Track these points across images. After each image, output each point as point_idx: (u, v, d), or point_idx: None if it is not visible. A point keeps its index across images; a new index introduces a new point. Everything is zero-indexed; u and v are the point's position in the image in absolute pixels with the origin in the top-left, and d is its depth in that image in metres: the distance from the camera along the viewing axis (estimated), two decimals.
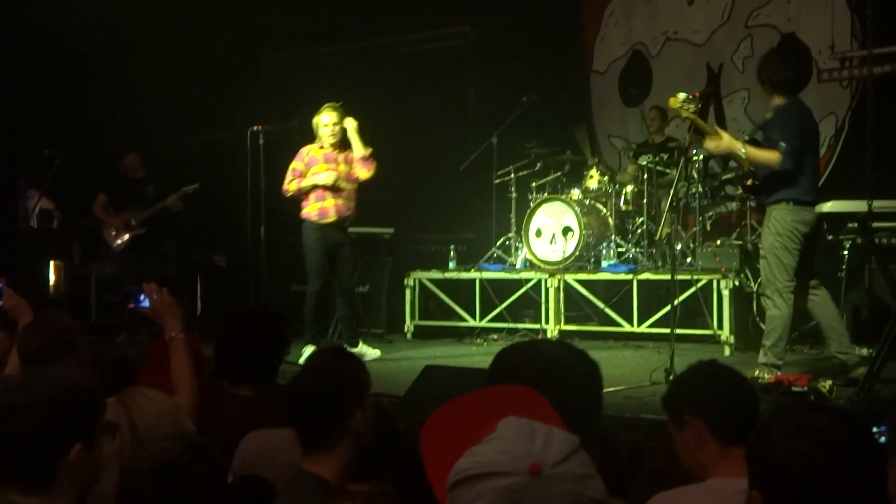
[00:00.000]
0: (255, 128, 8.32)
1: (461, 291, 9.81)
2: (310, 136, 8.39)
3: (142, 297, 4.10)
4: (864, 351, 6.51)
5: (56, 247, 11.15)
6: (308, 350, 7.71)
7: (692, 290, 8.24)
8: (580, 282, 9.09)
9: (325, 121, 8.20)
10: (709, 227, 9.15)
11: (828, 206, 6.40)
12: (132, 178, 9.76)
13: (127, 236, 9.61)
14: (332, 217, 8.09)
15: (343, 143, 8.25)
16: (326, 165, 8.12)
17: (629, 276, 8.77)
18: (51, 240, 11.07)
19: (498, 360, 2.33)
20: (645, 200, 9.29)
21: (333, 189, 8.09)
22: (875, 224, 6.42)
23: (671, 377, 6.20)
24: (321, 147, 8.20)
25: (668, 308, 7.75)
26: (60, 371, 2.61)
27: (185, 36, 11.58)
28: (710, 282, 8.27)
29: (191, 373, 3.73)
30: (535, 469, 1.50)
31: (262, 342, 3.93)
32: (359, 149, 8.19)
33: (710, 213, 9.28)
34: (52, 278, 10.97)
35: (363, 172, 8.20)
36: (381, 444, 2.97)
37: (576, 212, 9.20)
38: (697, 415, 2.84)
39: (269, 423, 3.36)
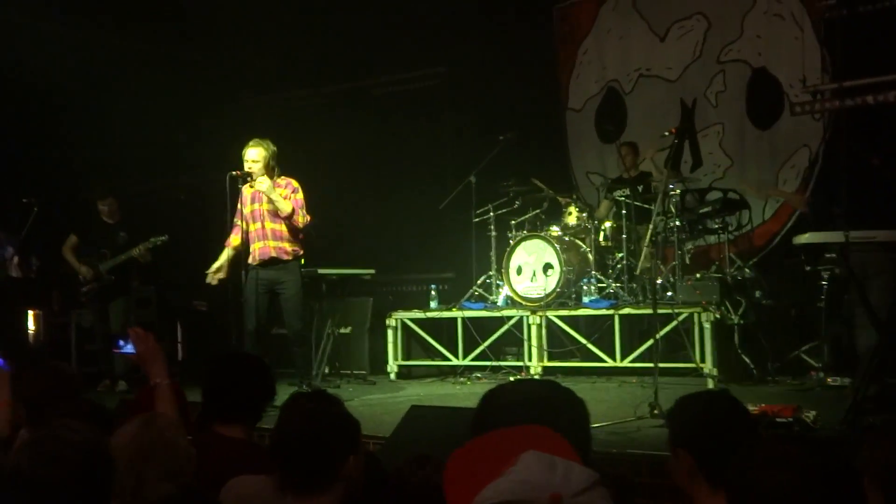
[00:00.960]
0: (234, 172, 8.29)
1: (443, 331, 9.80)
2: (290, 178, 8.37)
3: (124, 342, 4.09)
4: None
5: (35, 295, 11.06)
6: None
7: (673, 323, 8.26)
8: (562, 318, 9.09)
9: (248, 157, 7.92)
10: (688, 261, 9.20)
11: (805, 238, 6.45)
12: (105, 223, 9.75)
13: (93, 284, 9.61)
14: (257, 259, 7.94)
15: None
16: (251, 205, 7.99)
17: (610, 312, 8.79)
18: (30, 289, 10.96)
19: (485, 402, 2.33)
20: (624, 235, 9.32)
21: (259, 231, 7.94)
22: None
23: (655, 412, 6.20)
24: (250, 185, 7.95)
25: (650, 342, 7.76)
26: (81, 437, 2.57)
27: (162, 81, 11.60)
28: (692, 315, 8.29)
29: (178, 418, 3.70)
30: (556, 499, 1.51)
31: (249, 384, 3.93)
32: (282, 209, 7.86)
33: (689, 247, 9.35)
34: (31, 327, 10.89)
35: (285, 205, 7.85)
36: (368, 487, 2.95)
37: (555, 248, 9.23)
38: (689, 451, 2.74)
39: (259, 464, 3.33)
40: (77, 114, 11.27)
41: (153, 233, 9.50)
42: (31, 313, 10.92)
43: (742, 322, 8.50)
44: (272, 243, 7.94)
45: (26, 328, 10.85)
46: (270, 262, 7.93)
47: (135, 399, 4.49)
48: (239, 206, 8.03)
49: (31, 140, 11.11)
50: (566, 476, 1.56)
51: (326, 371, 9.51)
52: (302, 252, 8.17)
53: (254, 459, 3.49)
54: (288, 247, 7.99)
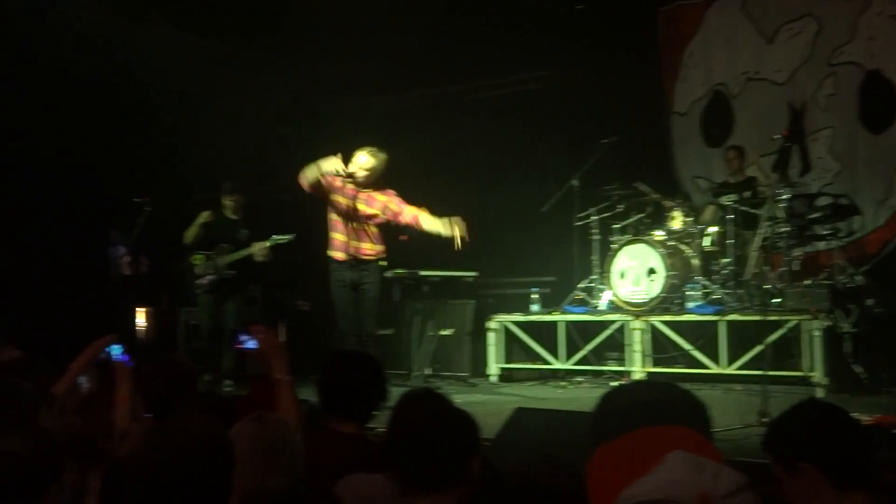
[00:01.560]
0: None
1: (545, 334, 9.76)
2: (390, 183, 8.49)
3: (246, 337, 4.17)
4: None
5: (145, 293, 11.36)
6: None
7: (782, 331, 8.08)
8: (666, 323, 8.98)
9: (358, 161, 8.15)
10: (797, 268, 8.99)
11: None
12: (229, 219, 9.69)
13: (209, 278, 9.49)
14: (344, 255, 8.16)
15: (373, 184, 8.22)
16: (344, 199, 8.13)
17: (716, 318, 8.65)
18: (140, 287, 11.27)
19: (605, 403, 2.30)
20: (730, 241, 9.16)
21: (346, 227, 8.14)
22: None
23: (764, 419, 6.07)
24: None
25: (756, 349, 7.61)
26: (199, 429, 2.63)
27: (263, 86, 11.83)
28: (801, 322, 8.11)
29: (298, 413, 3.76)
30: (705, 499, 1.49)
31: (365, 383, 3.99)
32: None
33: (798, 253, 9.13)
34: (141, 324, 11.17)
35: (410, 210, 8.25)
36: (483, 487, 2.94)
37: (660, 253, 9.12)
38: (812, 462, 2.66)
39: (374, 461, 3.36)
40: (186, 117, 11.55)
41: (274, 232, 9.47)
42: (141, 310, 11.20)
43: (854, 331, 8.27)
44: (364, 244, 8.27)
45: (136, 325, 11.13)
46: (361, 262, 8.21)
47: (248, 395, 4.57)
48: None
49: (142, 142, 11.40)
50: (715, 477, 1.55)
51: (427, 372, 9.53)
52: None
53: (369, 456, 3.53)
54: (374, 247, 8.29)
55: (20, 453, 2.75)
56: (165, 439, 2.50)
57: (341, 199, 8.13)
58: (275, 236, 9.38)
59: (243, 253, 9.41)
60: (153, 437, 2.60)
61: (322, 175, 8.03)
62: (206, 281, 9.47)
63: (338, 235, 8.18)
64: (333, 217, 8.19)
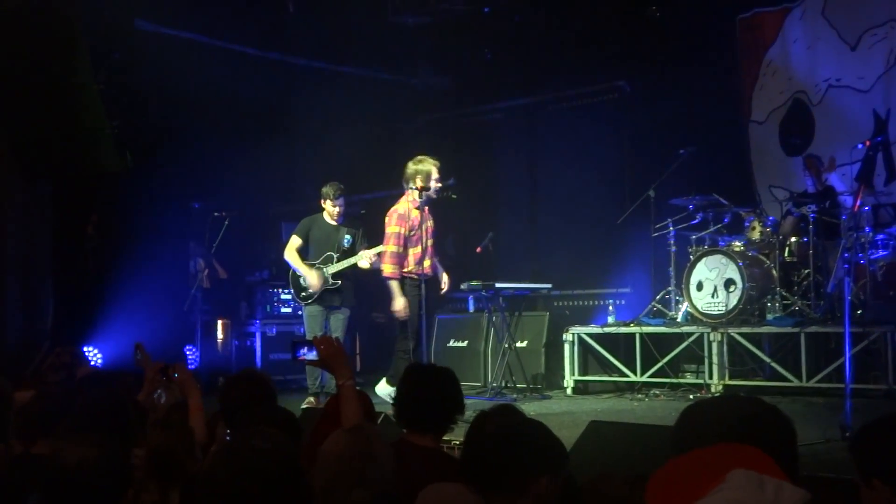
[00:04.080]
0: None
1: (621, 346, 9.72)
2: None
3: (306, 349, 4.24)
4: None
5: (224, 306, 11.57)
6: None
7: (864, 343, 7.95)
8: (744, 335, 8.88)
9: (436, 176, 8.42)
10: (881, 278, 8.82)
11: None
12: (330, 225, 9.22)
13: (319, 289, 9.04)
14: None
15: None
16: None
17: (796, 330, 8.53)
18: (219, 299, 11.49)
19: (686, 418, 2.28)
20: (811, 251, 9.04)
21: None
22: None
23: (847, 434, 5.98)
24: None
25: (839, 362, 7.49)
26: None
27: (340, 100, 12.01)
28: (884, 334, 7.95)
29: (360, 417, 3.82)
30: None
31: (442, 396, 4.06)
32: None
33: (881, 264, 8.96)
34: (220, 336, 11.39)
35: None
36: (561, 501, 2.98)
37: (738, 264, 9.03)
38: (885, 482, 2.51)
39: (451, 473, 3.41)
40: (265, 133, 11.79)
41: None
42: (219, 322, 11.42)
43: None
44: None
45: (215, 336, 11.34)
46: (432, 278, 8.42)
47: (324, 409, 4.64)
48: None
49: (222, 156, 11.65)
50: (777, 495, 1.54)
51: (503, 384, 9.56)
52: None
53: (446, 468, 3.58)
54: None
55: (95, 463, 2.86)
56: (233, 456, 2.52)
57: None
58: (381, 245, 8.85)
59: (351, 261, 9.01)
60: (222, 453, 2.66)
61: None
62: (308, 294, 9.09)
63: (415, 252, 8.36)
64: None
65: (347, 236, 9.16)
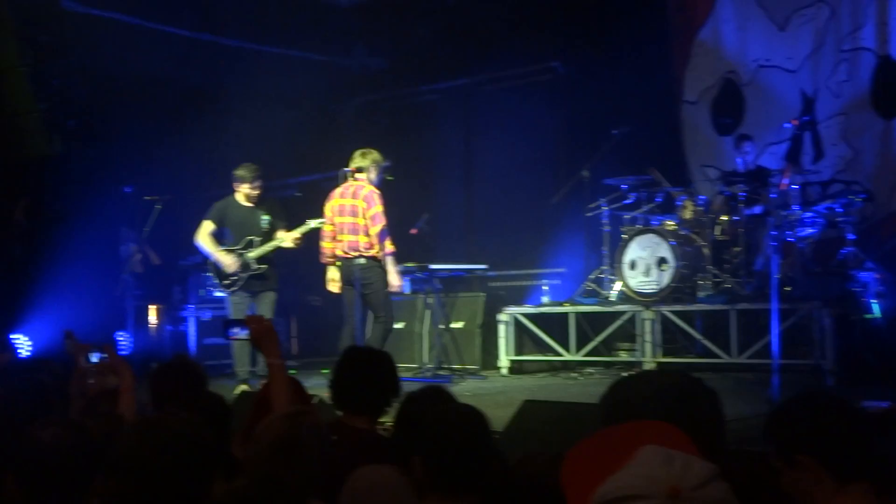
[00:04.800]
0: (348, 169, 8.42)
1: (555, 326, 9.78)
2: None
3: (238, 328, 4.23)
4: None
5: (157, 290, 11.44)
6: None
7: (792, 319, 8.08)
8: (676, 313, 8.99)
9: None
10: (809, 256, 8.98)
11: None
12: (245, 207, 8.89)
13: (241, 274, 8.77)
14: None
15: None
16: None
17: (727, 307, 8.65)
18: (151, 284, 11.35)
19: (614, 393, 2.30)
20: (741, 230, 9.16)
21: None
22: None
23: (773, 407, 6.07)
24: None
25: (768, 338, 7.60)
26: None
27: (273, 82, 11.90)
28: (812, 310, 8.10)
29: (288, 396, 3.82)
30: (674, 492, 1.50)
31: (376, 380, 4.08)
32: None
33: (809, 241, 9.11)
34: (153, 321, 11.25)
35: None
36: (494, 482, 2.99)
37: (670, 243, 9.13)
38: (811, 453, 2.63)
39: (386, 455, 3.41)
40: (198, 115, 11.65)
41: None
42: (152, 307, 11.28)
43: (865, 318, 8.26)
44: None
45: (147, 323, 11.21)
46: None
47: (259, 394, 4.63)
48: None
49: (154, 139, 11.49)
50: (685, 470, 1.54)
51: (439, 366, 9.58)
52: None
53: (381, 450, 3.60)
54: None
55: (63, 443, 2.87)
56: (139, 432, 2.56)
57: None
58: (310, 221, 8.77)
59: (274, 244, 8.82)
60: (129, 430, 2.66)
61: None
62: (231, 280, 8.82)
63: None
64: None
65: (265, 217, 8.88)
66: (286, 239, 8.74)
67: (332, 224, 8.34)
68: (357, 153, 8.43)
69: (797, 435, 2.69)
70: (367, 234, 8.17)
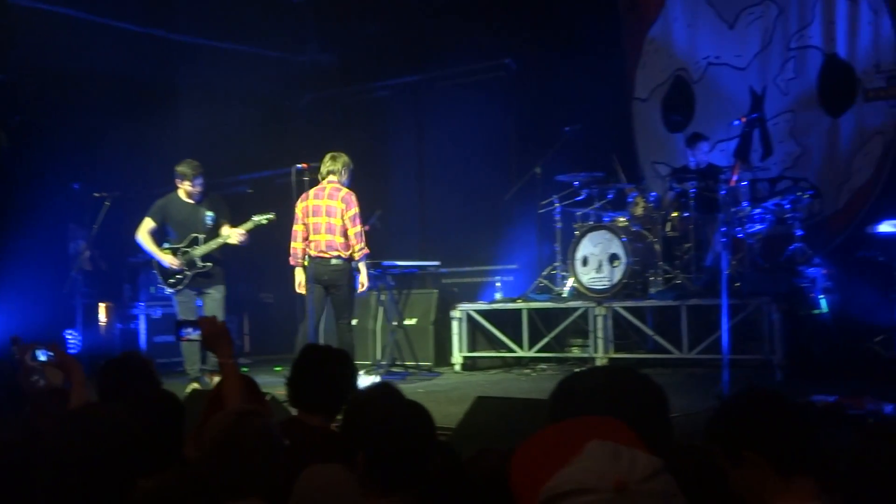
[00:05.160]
0: (301, 165, 8.37)
1: (508, 322, 9.80)
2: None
3: (189, 329, 4.20)
4: None
5: (106, 288, 11.30)
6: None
7: (742, 314, 8.16)
8: (628, 309, 9.04)
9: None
10: (757, 252, 9.08)
11: (881, 227, 6.34)
12: (188, 203, 8.76)
13: (187, 273, 8.66)
14: None
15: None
16: None
17: (677, 303, 8.72)
18: (101, 282, 11.21)
19: (561, 389, 2.30)
20: (691, 226, 9.23)
21: None
22: None
23: (723, 402, 6.13)
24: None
25: (718, 333, 7.68)
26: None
27: (225, 78, 11.81)
28: (761, 306, 8.18)
29: (241, 396, 3.81)
30: (621, 485, 1.51)
31: (332, 378, 4.07)
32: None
33: (758, 237, 9.21)
34: (102, 319, 11.12)
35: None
36: (445, 478, 2.98)
37: (621, 239, 9.18)
38: (756, 450, 2.60)
39: (340, 453, 3.40)
40: (148, 111, 11.52)
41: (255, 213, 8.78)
42: (102, 306, 11.15)
43: (813, 313, 8.37)
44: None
45: (97, 320, 11.07)
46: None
47: (211, 392, 4.60)
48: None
49: (103, 135, 11.35)
50: (631, 463, 1.56)
51: (393, 362, 9.56)
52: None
53: (334, 448, 3.58)
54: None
55: (12, 442, 2.84)
56: (70, 423, 2.58)
57: None
58: (255, 217, 8.69)
59: (220, 241, 8.67)
60: (61, 420, 2.67)
61: None
62: (177, 279, 8.70)
63: None
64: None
65: (209, 213, 8.75)
66: (232, 235, 8.64)
67: (304, 224, 8.33)
68: (327, 157, 8.48)
69: (742, 431, 2.66)
70: (345, 235, 8.23)
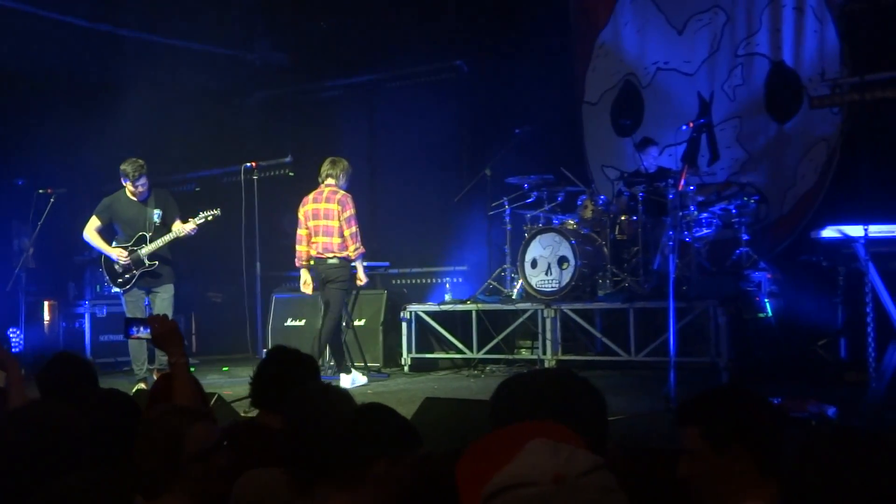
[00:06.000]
0: (249, 164, 8.31)
1: (458, 324, 9.79)
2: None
3: (140, 327, 4.17)
4: None
5: (51, 286, 11.13)
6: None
7: (689, 317, 8.23)
8: (576, 312, 9.07)
9: None
10: (704, 256, 9.15)
11: (825, 233, 6.40)
12: (134, 202, 8.62)
13: (134, 271, 8.54)
14: None
15: None
16: None
17: (625, 306, 8.76)
18: (45, 279, 11.04)
19: (501, 392, 2.32)
20: (639, 230, 9.28)
21: None
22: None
23: (670, 406, 6.17)
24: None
25: (665, 336, 7.73)
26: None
27: (174, 75, 11.68)
28: (707, 309, 8.25)
29: (193, 395, 3.77)
30: (559, 478, 1.54)
31: (297, 379, 4.04)
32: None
33: (705, 241, 9.30)
34: (46, 317, 10.94)
35: None
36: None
37: (570, 242, 9.21)
38: (746, 445, 2.67)
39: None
40: (95, 107, 11.35)
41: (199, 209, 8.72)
42: (46, 303, 10.97)
43: (758, 317, 8.45)
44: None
45: (42, 318, 10.90)
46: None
47: (151, 391, 4.56)
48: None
49: (48, 131, 11.17)
50: (570, 459, 1.60)
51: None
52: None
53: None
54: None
55: None
56: (11, 418, 2.65)
57: None
58: (202, 213, 8.63)
59: (167, 238, 8.56)
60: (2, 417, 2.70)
61: None
62: (124, 278, 8.57)
63: None
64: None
65: (157, 211, 8.63)
66: (183, 230, 8.57)
67: (307, 228, 8.77)
68: (327, 161, 8.89)
69: (735, 424, 2.71)
70: (342, 236, 8.66)
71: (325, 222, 8.68)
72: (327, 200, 8.70)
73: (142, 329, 4.14)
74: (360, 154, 12.53)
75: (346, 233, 8.63)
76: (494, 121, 11.09)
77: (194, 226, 8.58)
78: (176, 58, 11.98)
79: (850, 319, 7.98)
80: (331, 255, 8.65)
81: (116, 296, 10.73)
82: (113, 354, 10.06)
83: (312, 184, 8.82)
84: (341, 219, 8.62)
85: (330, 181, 8.79)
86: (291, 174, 8.89)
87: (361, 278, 8.86)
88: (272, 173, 9.41)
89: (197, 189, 11.38)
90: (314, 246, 8.74)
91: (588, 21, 11.64)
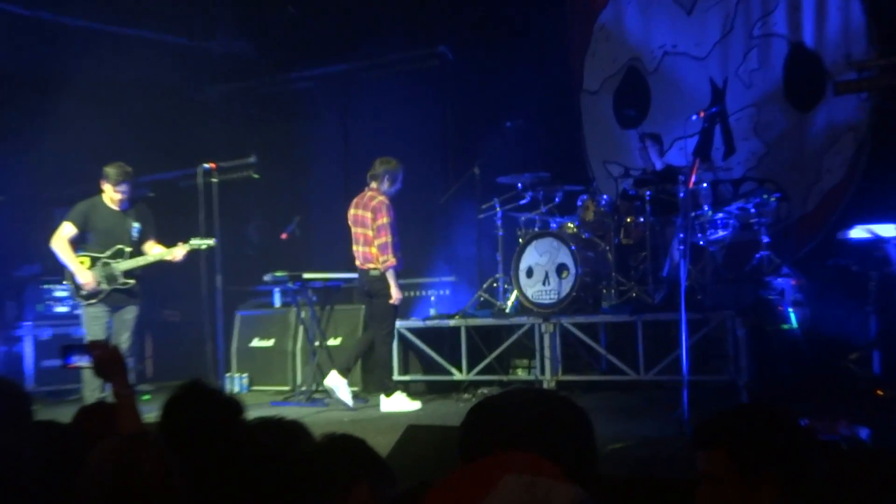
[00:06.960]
0: (208, 165, 8.21)
1: (445, 342, 9.73)
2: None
3: (78, 356, 4.09)
4: None
5: None
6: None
7: (704, 330, 8.16)
8: (578, 326, 9.00)
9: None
10: (720, 261, 9.09)
11: (854, 233, 6.35)
12: (114, 212, 8.46)
13: (105, 286, 8.38)
14: None
15: None
16: None
17: (633, 318, 8.69)
18: None
19: (472, 416, 2.27)
20: (647, 233, 9.21)
21: None
22: None
23: (684, 429, 6.11)
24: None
25: (677, 352, 7.67)
26: None
27: (125, 68, 11.61)
28: (724, 321, 8.18)
29: (138, 427, 3.71)
30: None
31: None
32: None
33: (721, 245, 9.23)
34: None
35: None
36: None
37: (570, 248, 9.13)
38: (778, 470, 2.64)
39: None
40: (36, 105, 11.29)
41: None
42: None
43: (782, 328, 8.39)
44: None
45: None
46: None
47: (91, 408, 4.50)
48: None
49: None
50: (547, 495, 1.60)
51: (315, 388, 9.43)
52: None
53: None
54: None
55: None
56: None
57: None
58: (194, 240, 8.59)
59: (156, 257, 8.50)
60: None
61: None
62: (90, 293, 8.39)
63: None
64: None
65: (136, 224, 8.52)
66: (173, 254, 8.51)
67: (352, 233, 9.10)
68: (377, 160, 9.10)
69: (767, 446, 2.68)
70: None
71: (363, 230, 8.96)
72: (364, 207, 8.96)
73: (81, 357, 4.05)
74: (332, 153, 12.51)
75: (376, 242, 8.82)
76: (483, 113, 11.06)
77: (185, 252, 8.52)
78: (126, 48, 11.91)
79: (883, 330, 7.94)
80: (371, 265, 8.92)
81: (62, 316, 10.66)
82: (58, 382, 9.98)
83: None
84: (373, 227, 8.83)
85: (373, 184, 9.02)
86: (256, 176, 8.80)
87: (395, 295, 8.92)
88: (234, 175, 9.29)
89: (150, 194, 11.25)
90: (356, 255, 9.03)
91: (585, 2, 11.60)
